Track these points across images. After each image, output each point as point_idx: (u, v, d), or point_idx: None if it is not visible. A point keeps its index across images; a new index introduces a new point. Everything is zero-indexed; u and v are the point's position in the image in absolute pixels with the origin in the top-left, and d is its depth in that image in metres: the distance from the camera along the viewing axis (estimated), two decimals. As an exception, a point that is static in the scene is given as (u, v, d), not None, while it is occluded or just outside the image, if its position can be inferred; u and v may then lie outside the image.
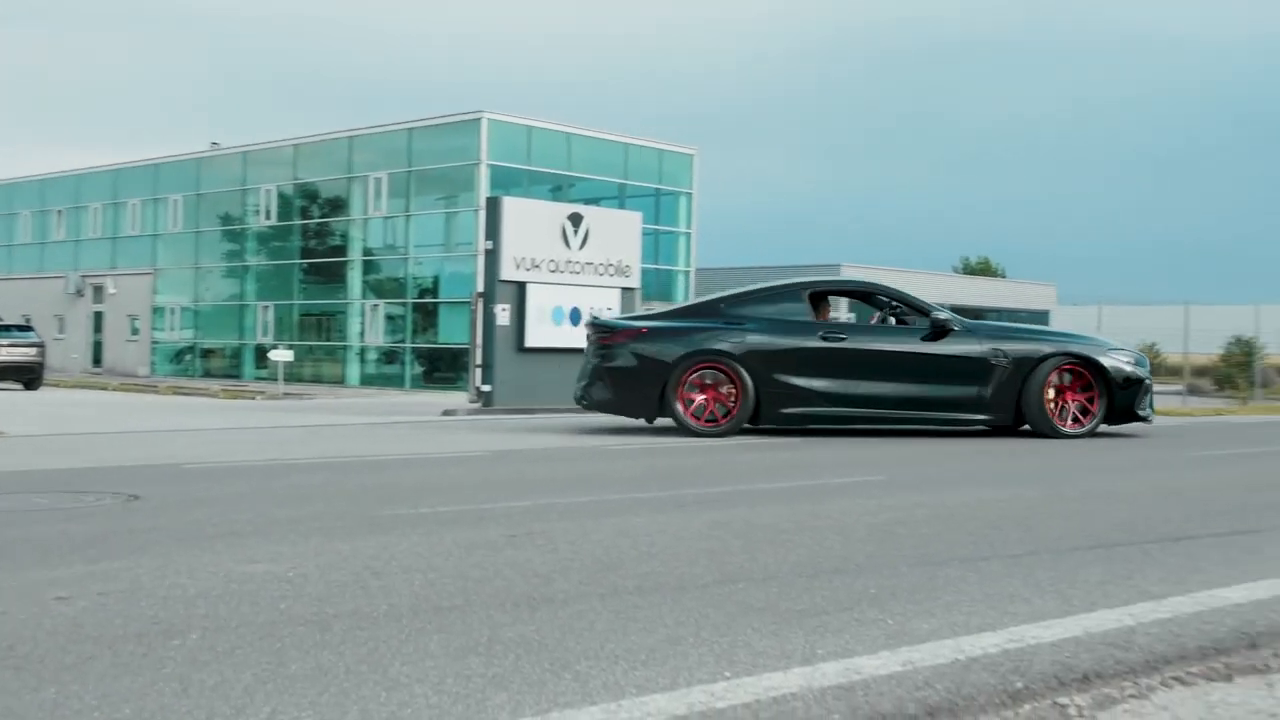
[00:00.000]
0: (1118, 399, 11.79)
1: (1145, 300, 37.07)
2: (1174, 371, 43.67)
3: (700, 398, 11.75)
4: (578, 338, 18.10)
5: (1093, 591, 4.00)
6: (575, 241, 18.25)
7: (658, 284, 32.47)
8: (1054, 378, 11.72)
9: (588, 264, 18.34)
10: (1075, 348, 12.01)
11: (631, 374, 11.95)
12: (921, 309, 12.22)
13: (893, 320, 12.44)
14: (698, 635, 3.38)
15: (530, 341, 17.67)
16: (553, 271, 17.89)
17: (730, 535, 5.34)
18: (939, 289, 41.31)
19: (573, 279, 18.13)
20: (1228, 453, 10.06)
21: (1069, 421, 11.75)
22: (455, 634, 3.40)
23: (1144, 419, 12.00)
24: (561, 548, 4.91)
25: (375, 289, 35.79)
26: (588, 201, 29.05)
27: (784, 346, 11.80)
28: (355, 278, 36.13)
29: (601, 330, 12.47)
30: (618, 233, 19.17)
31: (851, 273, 38.78)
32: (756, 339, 11.77)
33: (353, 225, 36.07)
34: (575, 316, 17.99)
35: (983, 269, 65.83)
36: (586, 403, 12.42)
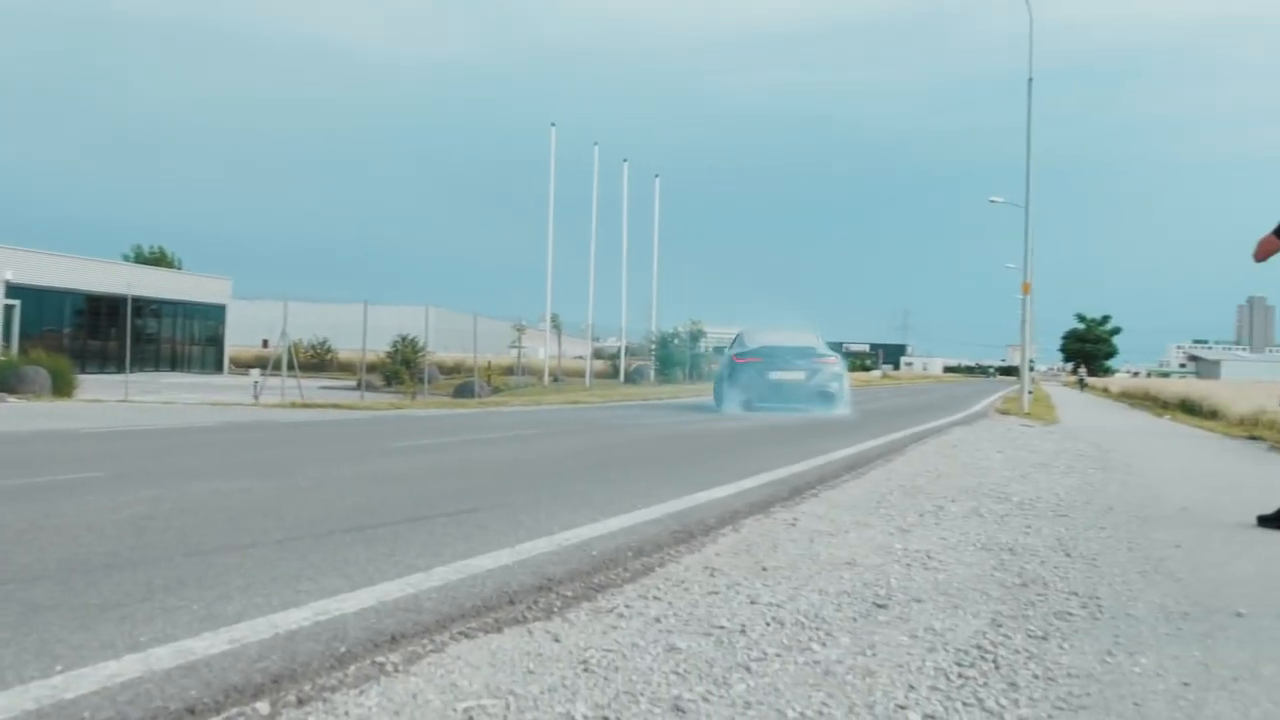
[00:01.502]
0: None
1: (326, 298, 38.59)
2: (346, 367, 46.07)
3: None
4: None
5: (366, 568, 4.41)
6: None
7: None
8: None
9: None
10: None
11: None
12: None
13: None
14: (-3, 637, 3.23)
15: None
16: None
17: (-34, 538, 4.99)
18: (111, 278, 39.44)
19: None
20: (426, 443, 11.07)
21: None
22: None
23: None
24: None
25: None
26: None
27: None
28: None
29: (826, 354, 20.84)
30: None
31: (3, 254, 35.79)
32: None
33: None
34: None
35: (157, 259, 63.84)
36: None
